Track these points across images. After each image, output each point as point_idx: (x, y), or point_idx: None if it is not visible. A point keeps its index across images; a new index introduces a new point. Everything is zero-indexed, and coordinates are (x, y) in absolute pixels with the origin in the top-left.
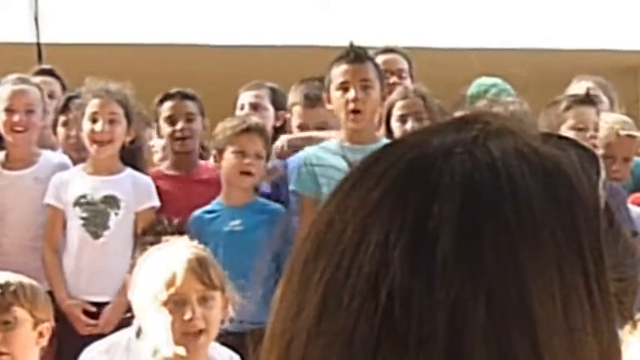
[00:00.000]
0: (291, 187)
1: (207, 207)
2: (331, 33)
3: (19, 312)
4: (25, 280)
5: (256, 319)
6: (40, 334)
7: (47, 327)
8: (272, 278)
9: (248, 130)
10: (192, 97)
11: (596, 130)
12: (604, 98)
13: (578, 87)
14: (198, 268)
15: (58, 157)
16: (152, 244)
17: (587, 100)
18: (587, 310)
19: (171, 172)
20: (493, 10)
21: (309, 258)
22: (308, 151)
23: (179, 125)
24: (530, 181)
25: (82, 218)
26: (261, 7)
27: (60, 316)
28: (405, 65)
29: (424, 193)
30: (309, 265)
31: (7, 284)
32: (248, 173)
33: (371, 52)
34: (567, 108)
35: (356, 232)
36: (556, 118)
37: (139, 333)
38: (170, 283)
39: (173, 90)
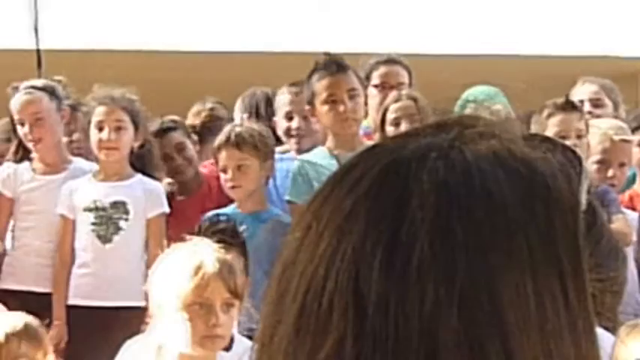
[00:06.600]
0: (286, 197)
1: (222, 210)
2: (330, 39)
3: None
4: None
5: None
6: None
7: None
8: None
9: (222, 145)
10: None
11: (579, 136)
12: (608, 102)
13: (582, 89)
14: (227, 275)
15: (89, 165)
16: None
17: (569, 106)
18: (563, 313)
19: None
20: (493, 17)
21: (288, 264)
22: (301, 160)
23: None
24: (505, 185)
25: (92, 223)
26: (261, 14)
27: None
28: (405, 79)
29: (399, 199)
30: (287, 271)
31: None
32: (234, 187)
33: (371, 61)
34: (549, 115)
35: (332, 239)
36: (539, 125)
37: None
38: (200, 287)
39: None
